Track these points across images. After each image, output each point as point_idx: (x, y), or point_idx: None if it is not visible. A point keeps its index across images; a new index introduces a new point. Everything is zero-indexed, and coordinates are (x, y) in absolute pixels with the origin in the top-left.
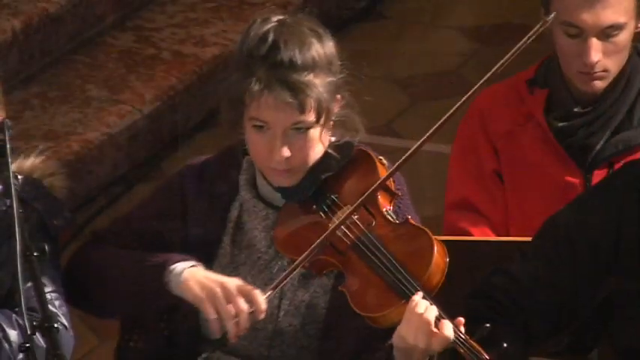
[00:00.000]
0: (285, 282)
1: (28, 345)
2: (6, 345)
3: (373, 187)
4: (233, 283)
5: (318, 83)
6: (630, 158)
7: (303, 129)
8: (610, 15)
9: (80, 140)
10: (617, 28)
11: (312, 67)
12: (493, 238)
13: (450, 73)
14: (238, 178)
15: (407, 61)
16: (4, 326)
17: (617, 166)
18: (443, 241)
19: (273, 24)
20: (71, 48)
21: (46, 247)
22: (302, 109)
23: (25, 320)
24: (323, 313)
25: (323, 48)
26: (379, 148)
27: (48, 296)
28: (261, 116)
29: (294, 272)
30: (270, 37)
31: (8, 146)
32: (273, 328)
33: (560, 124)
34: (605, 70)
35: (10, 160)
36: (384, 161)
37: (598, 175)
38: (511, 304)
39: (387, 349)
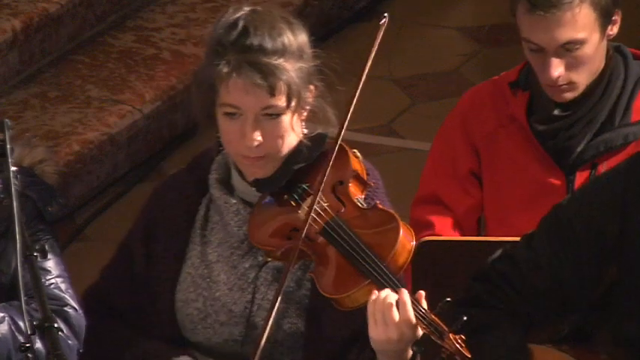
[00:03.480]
0: (285, 280)
1: (28, 345)
2: (19, 337)
3: (328, 171)
4: None
5: (289, 68)
6: (612, 159)
7: (275, 115)
8: (566, 32)
9: (80, 140)
10: (577, 43)
11: (282, 52)
12: (489, 238)
13: (450, 73)
14: (207, 179)
15: (407, 61)
16: (16, 318)
17: (600, 167)
18: (439, 241)
19: (244, 12)
20: (71, 48)
21: (46, 246)
22: (272, 92)
23: (25, 320)
24: (296, 307)
25: (294, 35)
26: (379, 148)
27: (53, 281)
28: (232, 100)
29: (293, 265)
30: (241, 24)
31: (8, 146)
32: (246, 324)
33: (541, 128)
34: (571, 83)
35: (10, 160)
36: (358, 154)
37: (580, 177)
38: (510, 289)
39: (370, 354)
